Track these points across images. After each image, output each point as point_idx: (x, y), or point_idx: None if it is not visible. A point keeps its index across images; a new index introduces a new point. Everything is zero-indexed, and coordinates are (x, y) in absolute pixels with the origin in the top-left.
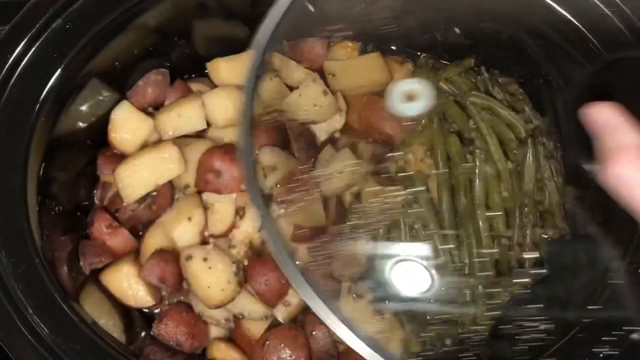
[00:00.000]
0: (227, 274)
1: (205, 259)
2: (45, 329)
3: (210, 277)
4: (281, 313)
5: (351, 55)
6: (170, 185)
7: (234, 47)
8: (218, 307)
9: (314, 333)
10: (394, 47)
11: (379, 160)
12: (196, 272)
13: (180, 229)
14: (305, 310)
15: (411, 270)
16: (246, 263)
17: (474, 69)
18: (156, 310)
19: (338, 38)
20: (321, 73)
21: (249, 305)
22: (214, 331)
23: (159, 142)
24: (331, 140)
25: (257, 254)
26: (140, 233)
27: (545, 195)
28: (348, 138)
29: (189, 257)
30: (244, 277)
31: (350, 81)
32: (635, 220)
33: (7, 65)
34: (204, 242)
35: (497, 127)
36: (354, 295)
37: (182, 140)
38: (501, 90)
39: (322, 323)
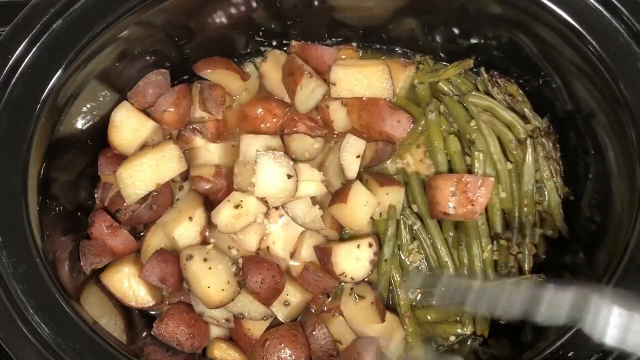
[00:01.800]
0: (227, 274)
1: (205, 259)
2: (46, 329)
3: (210, 277)
4: (281, 313)
5: (354, 57)
6: (171, 184)
7: (234, 47)
8: (218, 307)
9: (314, 333)
10: (396, 49)
11: (380, 160)
12: (196, 272)
13: (180, 228)
14: (305, 310)
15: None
16: (240, 262)
17: (474, 69)
18: (157, 311)
19: (342, 41)
20: (325, 77)
21: (249, 305)
22: (214, 331)
23: (159, 142)
24: None
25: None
26: (142, 233)
27: (545, 196)
28: None
29: (189, 257)
30: (243, 278)
31: (353, 92)
32: (632, 221)
33: (8, 66)
34: (204, 242)
35: (497, 128)
36: (356, 297)
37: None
38: (500, 91)
39: (322, 322)
